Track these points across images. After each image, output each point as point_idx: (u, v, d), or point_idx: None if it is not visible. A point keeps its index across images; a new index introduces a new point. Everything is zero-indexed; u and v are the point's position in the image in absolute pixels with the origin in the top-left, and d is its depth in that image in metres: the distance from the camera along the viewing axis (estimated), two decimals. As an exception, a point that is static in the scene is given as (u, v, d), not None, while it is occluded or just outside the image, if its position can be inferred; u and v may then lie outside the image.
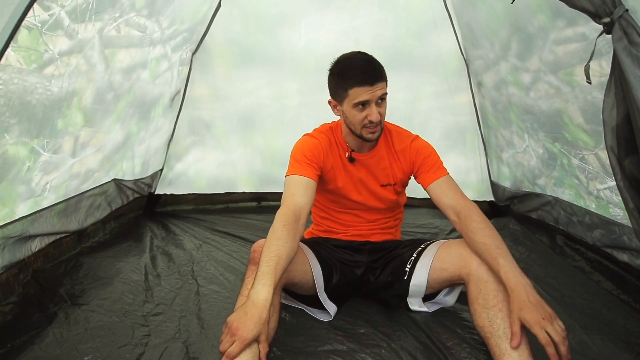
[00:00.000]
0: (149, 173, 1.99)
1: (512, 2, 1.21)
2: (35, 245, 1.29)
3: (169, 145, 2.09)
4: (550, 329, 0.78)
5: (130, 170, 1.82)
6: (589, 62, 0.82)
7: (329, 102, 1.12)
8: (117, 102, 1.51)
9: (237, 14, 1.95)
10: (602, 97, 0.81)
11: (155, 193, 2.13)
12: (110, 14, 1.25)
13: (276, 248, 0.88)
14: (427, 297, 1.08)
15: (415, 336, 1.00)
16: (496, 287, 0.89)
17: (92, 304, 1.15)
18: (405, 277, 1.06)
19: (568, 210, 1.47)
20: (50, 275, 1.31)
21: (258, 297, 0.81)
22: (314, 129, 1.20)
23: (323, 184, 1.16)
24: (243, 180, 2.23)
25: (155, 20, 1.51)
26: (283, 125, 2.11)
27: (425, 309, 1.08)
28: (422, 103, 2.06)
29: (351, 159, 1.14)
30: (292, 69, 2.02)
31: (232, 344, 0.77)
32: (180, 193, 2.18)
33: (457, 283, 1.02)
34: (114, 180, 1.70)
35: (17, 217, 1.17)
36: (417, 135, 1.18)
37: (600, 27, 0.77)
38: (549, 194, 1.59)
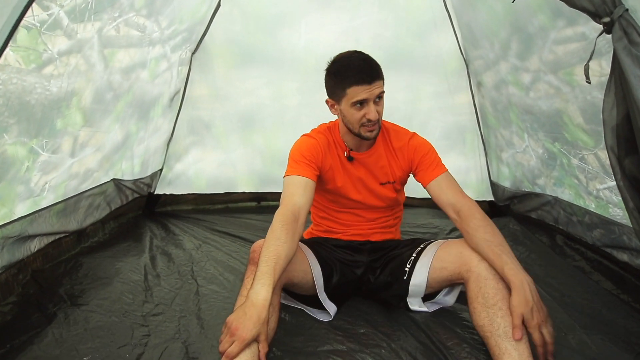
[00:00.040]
0: (149, 173, 1.99)
1: (512, 2, 1.21)
2: (35, 245, 1.29)
3: (168, 145, 2.09)
4: (545, 330, 0.82)
5: (129, 170, 1.82)
6: (588, 61, 0.82)
7: (327, 102, 1.12)
8: (116, 102, 1.50)
9: (237, 14, 1.94)
10: (602, 97, 0.81)
11: (155, 193, 2.12)
12: (110, 13, 1.25)
13: (275, 248, 0.88)
14: (427, 297, 1.08)
15: (415, 336, 1.00)
16: (495, 284, 0.89)
17: (92, 304, 1.15)
18: (405, 277, 1.06)
19: (568, 210, 1.47)
20: (50, 276, 1.30)
21: (257, 297, 0.81)
22: (312, 130, 1.20)
23: (322, 184, 1.16)
24: (243, 180, 2.23)
25: (155, 20, 1.51)
26: (283, 125, 2.11)
27: (425, 309, 1.08)
28: (422, 103, 2.06)
29: (350, 158, 1.14)
30: (292, 68, 2.02)
31: (232, 344, 0.77)
32: (180, 193, 2.17)
33: (457, 282, 1.02)
34: (113, 180, 1.70)
35: (16, 217, 1.16)
36: (415, 133, 1.18)
37: (600, 26, 0.77)
38: (548, 193, 1.59)
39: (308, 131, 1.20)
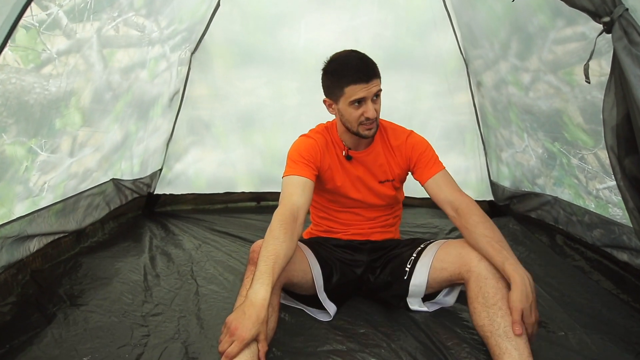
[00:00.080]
0: (148, 173, 1.98)
1: (512, 1, 1.21)
2: (34, 246, 1.29)
3: (168, 145, 2.08)
4: (535, 327, 0.85)
5: (129, 170, 1.82)
6: (588, 61, 0.82)
7: (324, 102, 1.13)
8: (115, 101, 1.50)
9: (237, 14, 1.94)
10: (602, 97, 0.81)
11: (155, 193, 2.12)
12: (109, 13, 1.25)
13: (274, 247, 0.88)
14: (427, 297, 1.08)
15: (415, 336, 0.99)
16: (495, 284, 0.89)
17: (91, 304, 1.15)
18: (405, 277, 1.06)
19: (567, 210, 1.47)
20: (49, 276, 1.30)
21: (256, 296, 0.81)
22: (310, 130, 1.20)
23: (321, 183, 1.16)
24: (242, 180, 2.23)
25: (154, 19, 1.50)
26: (283, 125, 2.10)
27: (425, 309, 1.08)
28: (421, 103, 2.06)
29: (348, 157, 1.14)
30: (292, 68, 2.02)
31: (231, 344, 0.77)
32: (180, 193, 2.17)
33: (457, 283, 1.02)
34: (113, 180, 1.70)
35: (14, 217, 1.16)
36: (412, 131, 1.19)
37: (600, 26, 0.77)
38: (548, 193, 1.59)
39: (308, 131, 1.20)
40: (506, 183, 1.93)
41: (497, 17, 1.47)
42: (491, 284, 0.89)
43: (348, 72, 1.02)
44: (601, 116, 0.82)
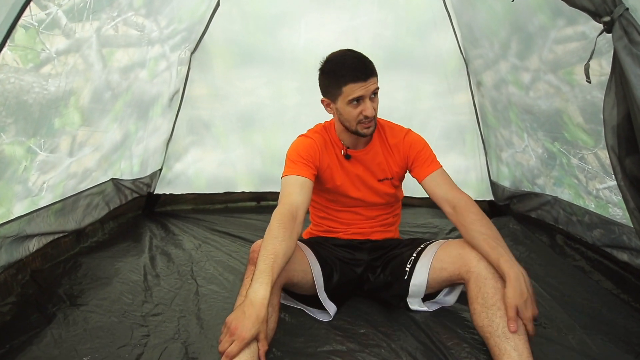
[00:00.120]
0: (148, 173, 1.98)
1: (512, 1, 1.21)
2: (33, 245, 1.28)
3: (167, 145, 2.08)
4: (532, 327, 0.84)
5: (128, 169, 1.81)
6: (589, 61, 0.82)
7: (322, 102, 1.13)
8: (114, 101, 1.50)
9: (237, 14, 1.94)
10: (602, 97, 0.81)
11: (154, 193, 2.12)
12: (108, 13, 1.25)
13: (273, 246, 0.88)
14: (427, 297, 1.08)
15: (415, 336, 0.99)
16: (494, 284, 0.89)
17: (91, 304, 1.15)
18: (405, 277, 1.06)
19: (567, 210, 1.46)
20: (49, 276, 1.30)
21: (256, 295, 0.81)
22: (308, 130, 1.20)
23: (321, 183, 1.16)
24: (242, 179, 2.22)
25: (154, 19, 1.50)
26: (283, 125, 2.10)
27: (425, 309, 1.08)
28: (421, 102, 2.06)
29: (347, 156, 1.15)
30: (292, 68, 2.02)
31: (231, 343, 0.77)
32: (180, 193, 2.17)
33: (457, 283, 1.02)
34: (112, 179, 1.70)
35: (13, 217, 1.16)
36: (410, 129, 1.19)
37: (601, 26, 0.77)
38: (548, 193, 1.59)
39: (306, 131, 1.20)
40: (506, 183, 1.92)
41: (497, 17, 1.46)
42: (490, 285, 0.89)
43: (346, 71, 1.03)
44: (601, 116, 0.82)
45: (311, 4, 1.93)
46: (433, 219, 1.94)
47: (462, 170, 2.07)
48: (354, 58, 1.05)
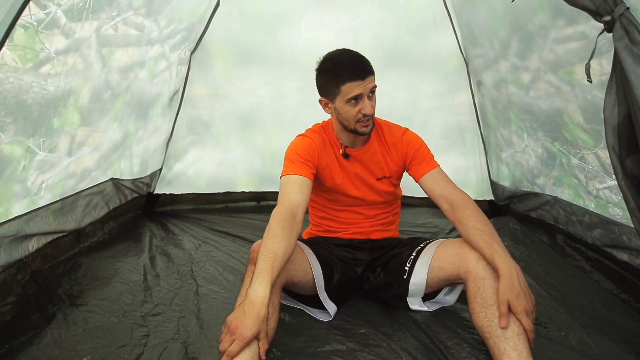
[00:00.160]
0: (148, 173, 1.98)
1: (512, 1, 1.21)
2: (32, 245, 1.28)
3: (167, 145, 2.08)
4: (532, 317, 0.83)
5: (128, 169, 1.81)
6: (589, 60, 0.82)
7: (320, 101, 1.13)
8: (114, 101, 1.50)
9: (237, 13, 1.94)
10: (602, 96, 0.81)
11: (154, 193, 2.12)
12: (108, 12, 1.24)
13: (272, 246, 0.88)
14: (427, 297, 1.08)
15: (415, 336, 0.99)
16: (493, 284, 0.89)
17: (91, 304, 1.15)
18: (404, 277, 1.06)
19: (567, 210, 1.46)
20: (49, 276, 1.30)
21: (256, 294, 0.81)
22: (307, 129, 1.21)
23: (320, 182, 1.16)
24: (242, 179, 2.22)
25: (153, 19, 1.50)
26: (283, 125, 2.10)
27: (425, 309, 1.08)
28: (421, 102, 2.06)
29: (346, 155, 1.15)
30: (292, 68, 2.02)
31: (232, 343, 0.77)
32: (180, 193, 2.17)
33: (456, 282, 1.02)
34: (112, 179, 1.70)
35: (12, 217, 1.16)
36: (407, 128, 1.20)
37: (601, 25, 0.77)
38: (548, 193, 1.59)
39: (304, 131, 1.20)
40: (506, 183, 1.92)
41: (497, 16, 1.46)
42: (489, 285, 0.89)
43: (343, 70, 1.03)
44: (602, 115, 0.82)
45: (311, 3, 1.93)
46: (433, 218, 1.94)
47: (462, 170, 2.07)
48: (351, 57, 1.05)
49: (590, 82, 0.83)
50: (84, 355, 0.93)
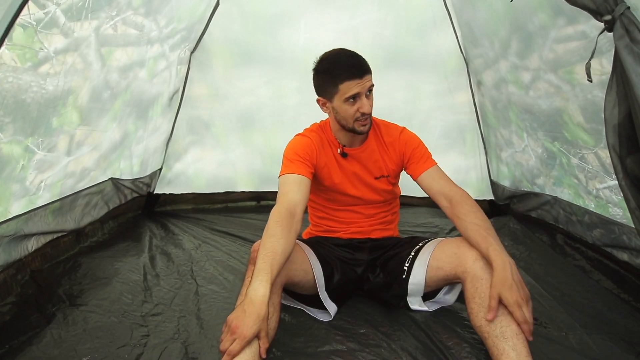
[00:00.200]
0: (148, 172, 1.98)
1: (511, 1, 1.21)
2: (32, 245, 1.28)
3: (167, 145, 2.08)
4: (525, 309, 0.82)
5: (128, 169, 1.81)
6: (590, 60, 0.82)
7: (318, 101, 1.13)
8: (113, 100, 1.50)
9: (236, 13, 1.94)
10: (603, 96, 0.81)
11: (154, 192, 2.12)
12: (107, 12, 1.24)
13: (271, 245, 0.89)
14: (427, 296, 1.08)
15: (415, 336, 0.99)
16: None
17: (91, 304, 1.15)
18: (404, 276, 1.06)
19: (567, 210, 1.46)
20: (49, 276, 1.30)
21: (256, 294, 0.81)
22: (305, 129, 1.21)
23: (319, 182, 1.16)
24: (242, 179, 2.22)
25: (153, 19, 1.50)
26: (282, 125, 2.10)
27: (425, 308, 1.08)
28: (421, 102, 2.06)
29: (344, 154, 1.15)
30: (292, 68, 2.02)
31: (233, 342, 0.77)
32: (180, 192, 2.17)
33: (455, 282, 1.02)
34: (111, 179, 1.69)
35: (11, 216, 1.16)
36: (404, 127, 1.21)
37: (601, 25, 0.77)
38: (548, 193, 1.59)
39: (302, 130, 1.20)
40: (506, 183, 1.92)
41: (497, 16, 1.46)
42: (487, 285, 0.89)
43: (341, 69, 1.04)
44: (602, 115, 0.82)
45: (311, 3, 1.93)
46: (433, 218, 1.93)
47: (462, 169, 2.07)
48: (348, 56, 1.06)
49: (591, 81, 0.83)
50: (84, 355, 0.93)
